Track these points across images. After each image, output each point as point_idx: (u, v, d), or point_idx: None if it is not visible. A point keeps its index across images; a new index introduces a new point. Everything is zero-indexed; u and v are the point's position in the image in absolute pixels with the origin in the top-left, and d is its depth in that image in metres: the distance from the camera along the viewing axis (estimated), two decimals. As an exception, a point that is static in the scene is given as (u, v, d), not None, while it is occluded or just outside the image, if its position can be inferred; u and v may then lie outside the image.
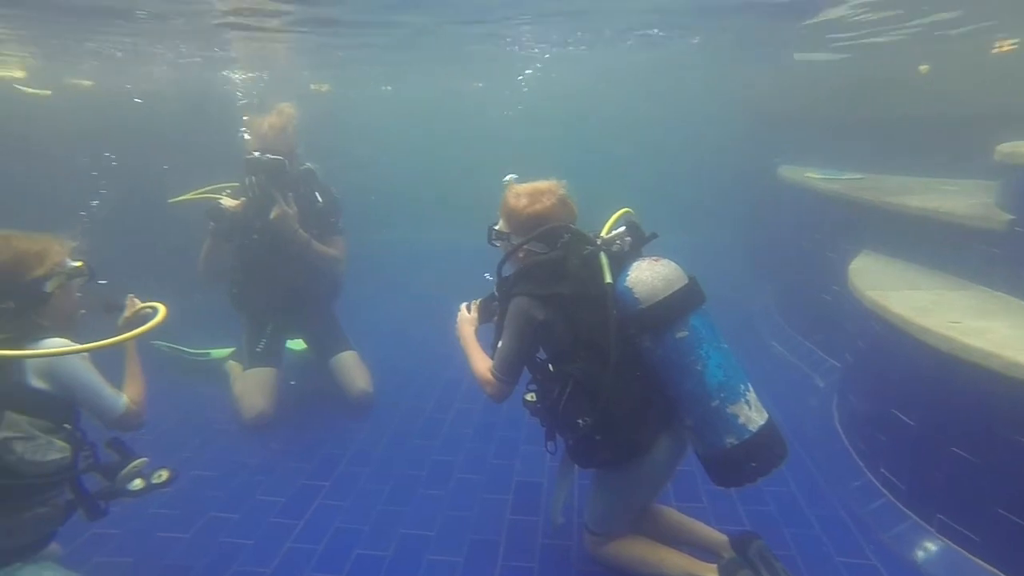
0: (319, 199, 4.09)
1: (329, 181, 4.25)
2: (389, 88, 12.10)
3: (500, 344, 2.46)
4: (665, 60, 8.76)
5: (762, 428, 2.22)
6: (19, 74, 7.74)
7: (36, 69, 7.88)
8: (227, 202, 3.90)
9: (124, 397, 2.29)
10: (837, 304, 4.39)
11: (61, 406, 2.11)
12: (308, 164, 4.12)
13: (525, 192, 2.53)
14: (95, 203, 5.01)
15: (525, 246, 2.46)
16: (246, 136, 3.91)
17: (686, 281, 2.30)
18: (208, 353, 4.84)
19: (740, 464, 2.24)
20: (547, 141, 8.34)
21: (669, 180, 8.96)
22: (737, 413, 2.20)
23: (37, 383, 2.03)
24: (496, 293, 2.52)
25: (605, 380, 2.19)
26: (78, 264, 2.26)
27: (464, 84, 11.85)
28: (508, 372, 2.46)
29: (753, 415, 2.23)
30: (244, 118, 3.95)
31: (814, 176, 5.59)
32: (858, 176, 5.50)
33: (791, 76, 8.78)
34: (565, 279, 2.30)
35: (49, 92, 6.99)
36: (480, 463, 3.67)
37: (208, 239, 3.99)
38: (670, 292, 2.23)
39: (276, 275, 4.03)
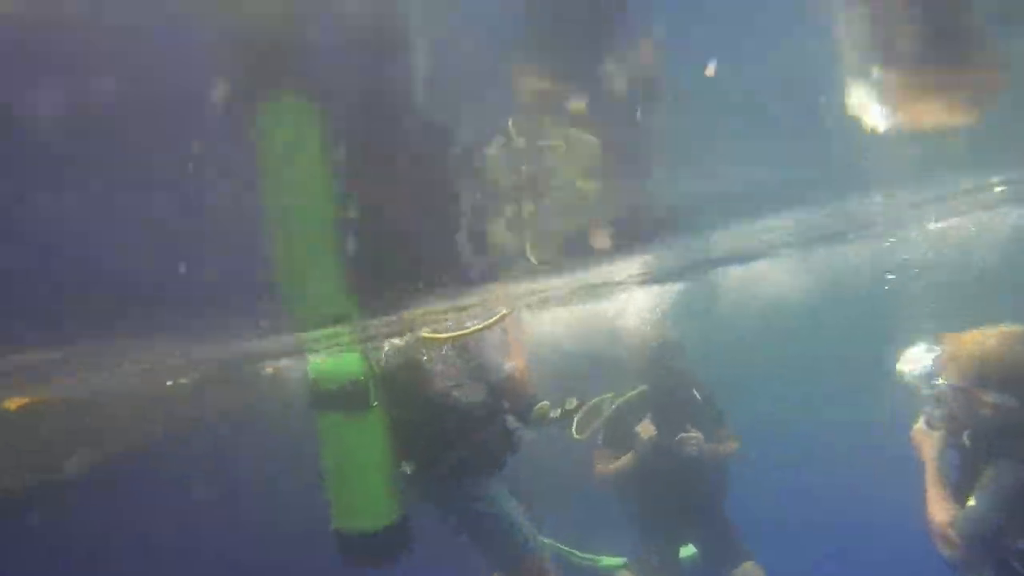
0: (696, 396, 3.99)
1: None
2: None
3: (973, 503, 1.90)
4: None
5: None
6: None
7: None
8: (644, 429, 3.81)
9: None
10: None
11: None
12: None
13: (995, 338, 2.02)
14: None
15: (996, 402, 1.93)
16: None
17: None
18: (597, 561, 4.73)
19: None
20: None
21: None
22: None
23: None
24: (968, 444, 2.04)
25: None
26: None
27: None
28: (975, 543, 1.87)
29: None
30: None
31: None
32: None
33: None
34: None
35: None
36: None
37: (630, 460, 3.87)
38: None
39: (669, 485, 3.82)
